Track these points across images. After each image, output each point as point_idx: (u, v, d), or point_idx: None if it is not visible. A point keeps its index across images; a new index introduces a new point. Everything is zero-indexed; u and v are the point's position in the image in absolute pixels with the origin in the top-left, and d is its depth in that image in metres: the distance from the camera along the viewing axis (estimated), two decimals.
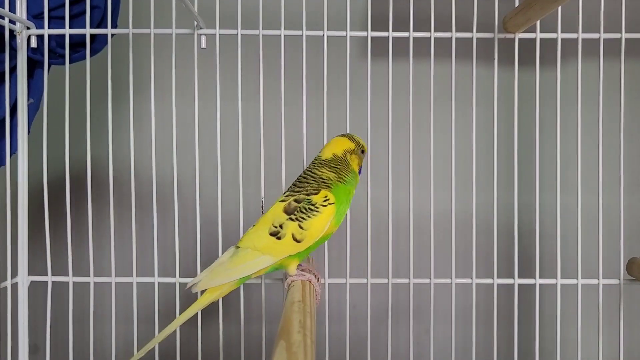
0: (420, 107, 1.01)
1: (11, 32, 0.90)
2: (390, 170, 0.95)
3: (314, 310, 0.68)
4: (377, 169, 0.99)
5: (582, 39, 0.94)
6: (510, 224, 0.98)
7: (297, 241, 0.73)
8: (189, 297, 0.80)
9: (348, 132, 0.95)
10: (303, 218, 0.73)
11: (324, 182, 0.76)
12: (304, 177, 0.78)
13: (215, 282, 0.74)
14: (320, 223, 0.73)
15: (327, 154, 0.79)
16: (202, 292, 0.77)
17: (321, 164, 0.78)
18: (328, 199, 0.74)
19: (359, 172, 0.81)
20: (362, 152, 0.81)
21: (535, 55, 0.94)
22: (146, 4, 0.93)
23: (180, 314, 0.77)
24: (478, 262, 0.98)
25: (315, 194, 0.74)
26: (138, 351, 0.76)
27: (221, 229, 0.95)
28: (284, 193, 0.78)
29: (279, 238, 0.73)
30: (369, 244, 0.95)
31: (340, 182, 0.76)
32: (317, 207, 0.73)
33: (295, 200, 0.74)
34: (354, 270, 0.97)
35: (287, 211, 0.74)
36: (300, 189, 0.76)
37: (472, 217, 0.97)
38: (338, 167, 0.77)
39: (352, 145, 0.80)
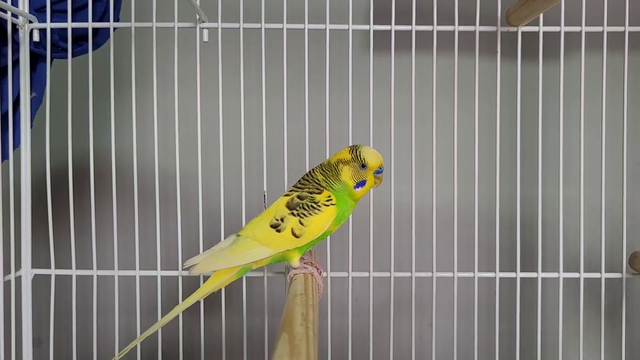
0: (423, 100, 1.00)
1: (13, 25, 0.90)
2: (392, 163, 0.95)
3: (317, 303, 0.68)
4: None
5: (586, 32, 0.94)
6: (512, 218, 0.98)
7: (296, 236, 0.73)
8: (191, 290, 0.80)
9: (350, 126, 0.95)
10: (304, 214, 0.73)
11: (318, 183, 0.76)
12: (306, 177, 0.78)
13: (213, 267, 0.75)
14: (321, 221, 0.73)
15: (329, 160, 0.78)
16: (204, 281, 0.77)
17: (322, 167, 0.77)
18: (331, 199, 0.74)
19: (356, 186, 0.74)
20: (363, 166, 0.74)
21: (539, 49, 0.94)
22: None
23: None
24: (480, 256, 0.98)
25: (319, 193, 0.74)
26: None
27: (223, 223, 0.95)
28: (289, 188, 0.78)
29: (278, 231, 0.74)
30: (371, 237, 0.95)
31: (329, 186, 0.75)
32: (319, 206, 0.73)
33: (299, 197, 0.75)
34: (356, 264, 0.97)
35: (290, 206, 0.75)
36: (303, 187, 0.76)
37: (474, 211, 0.97)
38: (327, 173, 0.76)
39: (347, 157, 0.74)
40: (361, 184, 0.75)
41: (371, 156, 0.74)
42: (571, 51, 1.03)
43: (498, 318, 0.97)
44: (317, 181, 0.76)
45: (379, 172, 0.75)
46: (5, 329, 0.89)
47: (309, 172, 0.79)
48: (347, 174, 0.74)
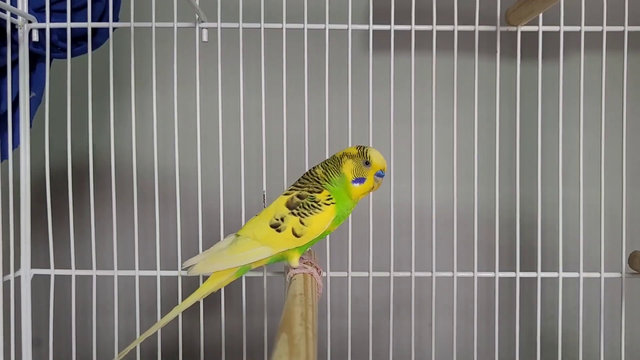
0: (422, 100, 1.00)
1: (13, 25, 0.90)
2: (392, 163, 0.95)
3: (316, 303, 0.68)
4: None
5: (585, 32, 0.94)
6: (512, 217, 0.98)
7: (297, 236, 0.73)
8: (191, 290, 0.80)
9: (350, 125, 0.95)
10: (305, 214, 0.73)
11: (317, 180, 0.75)
12: (306, 175, 0.78)
13: (212, 267, 0.75)
14: (322, 220, 0.73)
15: (335, 154, 0.77)
16: (204, 280, 0.77)
17: (325, 162, 0.77)
18: (331, 198, 0.74)
19: (354, 181, 0.73)
20: (367, 164, 0.73)
21: (538, 48, 0.94)
22: None
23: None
24: (480, 256, 0.98)
25: (319, 192, 0.74)
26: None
27: (223, 222, 0.95)
28: (289, 187, 0.78)
29: (278, 231, 0.73)
30: (370, 237, 0.95)
31: (326, 181, 0.75)
32: (319, 205, 0.73)
33: (298, 196, 0.74)
34: (355, 264, 0.97)
35: (290, 205, 0.74)
36: (303, 185, 0.76)
37: (473, 211, 0.97)
38: (328, 165, 0.76)
39: (353, 152, 0.74)
40: (360, 180, 0.74)
41: (376, 155, 0.74)
42: (570, 51, 1.03)
43: (498, 318, 0.97)
44: (316, 178, 0.75)
45: (380, 175, 0.74)
46: (4, 329, 0.89)
47: (309, 170, 0.78)
48: (348, 167, 0.74)
